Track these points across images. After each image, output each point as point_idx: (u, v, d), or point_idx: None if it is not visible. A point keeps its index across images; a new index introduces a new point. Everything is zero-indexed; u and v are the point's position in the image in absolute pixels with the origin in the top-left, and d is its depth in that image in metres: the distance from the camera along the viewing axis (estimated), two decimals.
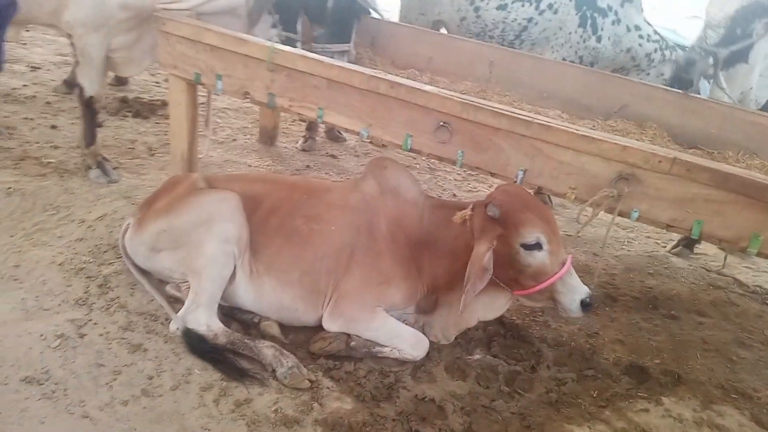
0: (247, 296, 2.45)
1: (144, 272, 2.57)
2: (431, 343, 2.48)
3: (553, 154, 2.37)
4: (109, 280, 2.58)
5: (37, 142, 3.78)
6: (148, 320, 2.40)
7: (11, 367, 2.05)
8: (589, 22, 4.21)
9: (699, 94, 3.64)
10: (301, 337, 2.47)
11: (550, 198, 4.21)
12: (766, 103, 4.13)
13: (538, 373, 2.47)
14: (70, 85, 4.64)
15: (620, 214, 2.32)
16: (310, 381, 2.22)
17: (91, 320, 2.34)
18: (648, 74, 4.31)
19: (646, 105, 3.60)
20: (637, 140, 2.97)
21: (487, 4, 4.35)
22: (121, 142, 4.08)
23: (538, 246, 2.21)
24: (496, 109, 2.41)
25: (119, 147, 4.00)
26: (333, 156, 4.68)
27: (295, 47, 3.24)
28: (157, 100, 4.95)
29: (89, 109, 3.32)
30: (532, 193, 2.53)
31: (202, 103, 3.55)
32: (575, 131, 2.32)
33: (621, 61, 4.31)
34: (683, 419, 2.28)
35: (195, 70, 2.99)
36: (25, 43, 5.73)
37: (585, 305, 2.22)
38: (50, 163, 3.52)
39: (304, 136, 4.74)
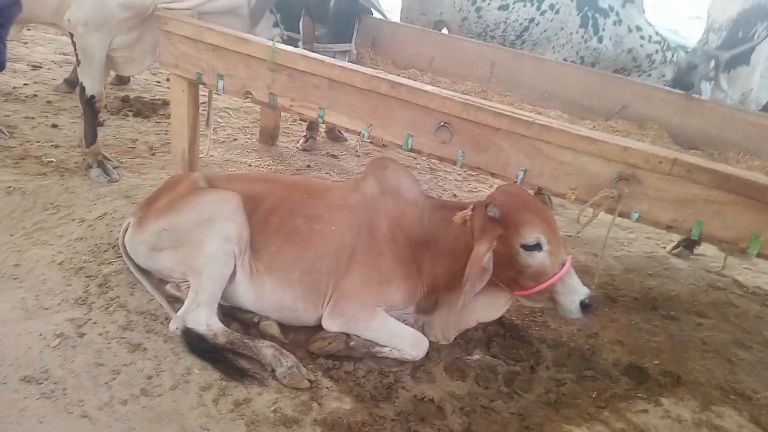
0: (247, 296, 2.45)
1: (144, 271, 2.57)
2: (431, 343, 2.48)
3: (554, 155, 2.37)
4: (109, 279, 2.58)
5: (38, 141, 3.79)
6: (147, 320, 2.40)
7: (10, 366, 2.06)
8: (591, 22, 4.21)
9: (700, 95, 3.63)
10: (301, 337, 2.47)
11: (550, 198, 4.21)
12: (767, 104, 4.13)
13: (537, 374, 2.47)
14: (71, 84, 4.65)
15: (620, 215, 2.32)
16: (310, 381, 2.22)
17: (90, 319, 2.34)
18: (649, 75, 4.31)
19: (647, 105, 3.60)
20: (638, 141, 2.97)
21: (489, 4, 4.35)
22: (121, 142, 4.08)
23: (538, 247, 2.21)
24: (496, 110, 2.41)
25: (120, 146, 4.00)
26: (333, 156, 4.69)
27: (297, 47, 3.25)
28: (159, 99, 4.96)
29: (90, 108, 3.33)
30: (532, 194, 2.53)
31: (203, 103, 3.55)
32: (575, 132, 2.32)
33: (622, 62, 4.30)
34: (682, 420, 2.28)
35: (196, 70, 2.99)
36: (26, 42, 5.74)
37: (585, 306, 2.21)
38: (51, 162, 3.53)
39: (304, 136, 4.74)
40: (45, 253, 2.68)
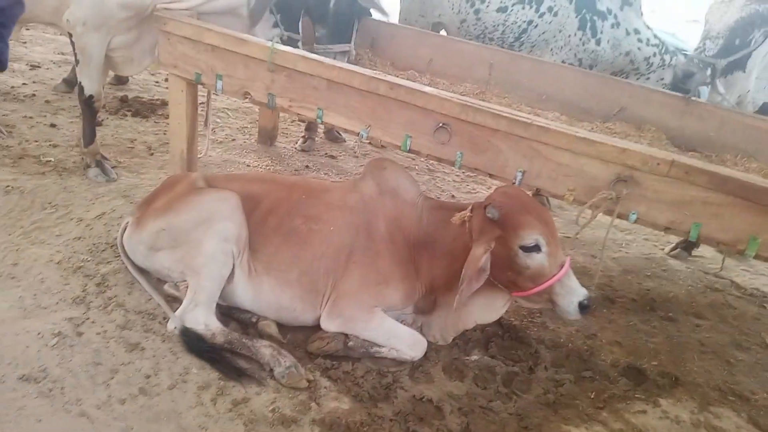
0: (245, 295, 2.45)
1: (142, 271, 2.57)
2: (429, 343, 2.48)
3: (552, 156, 2.37)
4: (107, 278, 2.58)
5: (36, 141, 3.78)
6: (145, 319, 2.40)
7: (8, 365, 2.05)
8: (589, 25, 4.22)
9: (699, 96, 3.65)
10: (299, 337, 2.47)
11: (548, 200, 4.22)
12: (763, 105, 4.15)
13: (535, 374, 2.47)
14: (70, 83, 4.65)
15: (619, 216, 2.32)
16: (308, 381, 2.22)
17: (88, 319, 2.34)
18: (648, 78, 4.32)
19: (645, 108, 3.61)
20: (636, 143, 2.97)
21: (487, 6, 4.36)
22: (120, 141, 4.08)
23: (536, 248, 2.21)
24: (495, 111, 2.42)
25: (118, 146, 4.00)
26: (332, 156, 4.69)
27: (297, 47, 3.25)
28: (157, 99, 4.96)
29: (89, 107, 3.33)
30: (530, 195, 2.53)
31: (202, 103, 3.55)
32: (574, 133, 2.33)
33: (620, 65, 4.31)
34: (680, 421, 2.29)
35: (195, 70, 2.99)
36: (25, 42, 5.74)
37: (583, 307, 2.21)
38: (49, 161, 3.52)
39: (303, 137, 4.74)
40: (43, 252, 2.68)
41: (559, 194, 2.43)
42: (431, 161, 4.62)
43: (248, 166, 4.17)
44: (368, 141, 2.85)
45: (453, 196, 4.42)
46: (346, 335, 2.40)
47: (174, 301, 2.48)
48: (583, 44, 4.25)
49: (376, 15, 4.12)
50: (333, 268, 2.42)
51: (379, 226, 2.48)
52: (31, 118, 4.11)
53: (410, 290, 2.48)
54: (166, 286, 2.57)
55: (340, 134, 5.02)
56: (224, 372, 2.20)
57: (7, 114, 4.08)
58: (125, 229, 2.59)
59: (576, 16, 4.23)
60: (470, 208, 2.36)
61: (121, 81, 5.10)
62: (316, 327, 2.45)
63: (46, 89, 4.70)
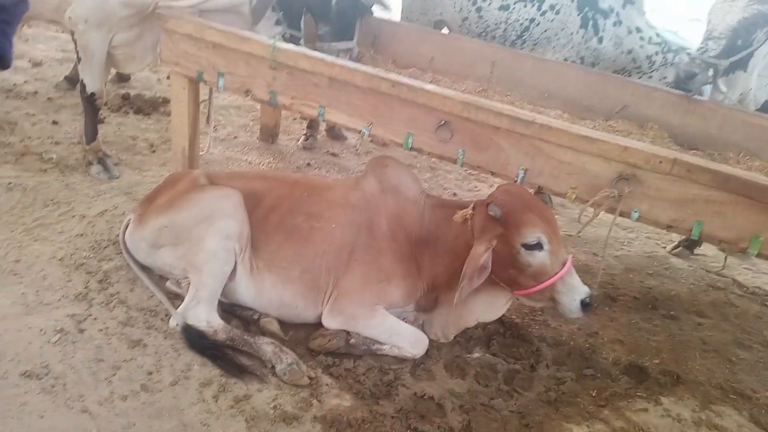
0: (247, 293, 2.45)
1: (144, 268, 2.58)
2: (431, 341, 2.48)
3: (554, 154, 2.37)
4: (109, 275, 2.58)
5: (39, 138, 3.79)
6: (147, 316, 2.41)
7: (11, 361, 2.05)
8: (591, 23, 4.21)
9: (702, 94, 3.64)
10: (301, 334, 2.47)
11: (550, 198, 4.21)
12: (765, 102, 4.13)
13: (537, 372, 2.47)
14: (72, 81, 4.65)
15: (621, 215, 2.32)
16: (310, 378, 2.22)
17: (90, 315, 2.34)
18: (650, 77, 4.31)
19: (647, 106, 3.60)
20: (638, 141, 2.97)
21: (490, 4, 4.35)
22: (122, 139, 4.08)
23: (538, 246, 2.21)
24: (497, 109, 2.41)
25: (120, 143, 4.00)
26: (334, 154, 4.69)
27: (299, 45, 3.25)
28: (159, 96, 4.96)
29: (91, 105, 3.33)
30: (532, 193, 2.53)
31: (204, 100, 3.55)
32: (576, 131, 2.33)
33: (622, 63, 4.30)
34: (682, 419, 2.29)
35: (197, 68, 2.99)
36: (27, 40, 5.74)
37: (585, 305, 2.22)
38: (51, 158, 3.53)
39: (305, 134, 4.74)
40: (45, 249, 2.68)
41: (561, 192, 2.42)
42: (433, 159, 4.62)
43: (250, 163, 4.17)
44: (370, 139, 2.85)
45: (455, 193, 4.42)
46: (348, 332, 2.40)
47: (176, 298, 2.49)
48: (585, 42, 4.24)
49: (378, 10, 4.12)
50: (335, 266, 2.42)
51: (381, 223, 2.48)
52: (33, 115, 4.12)
53: (412, 288, 2.48)
54: (168, 283, 2.57)
55: (341, 132, 5.01)
56: (226, 369, 2.20)
57: (10, 111, 4.09)
58: (127, 226, 2.60)
59: (578, 14, 4.22)
60: (472, 205, 2.36)
61: (123, 78, 5.11)
62: (318, 324, 2.45)
63: (48, 87, 4.70)
